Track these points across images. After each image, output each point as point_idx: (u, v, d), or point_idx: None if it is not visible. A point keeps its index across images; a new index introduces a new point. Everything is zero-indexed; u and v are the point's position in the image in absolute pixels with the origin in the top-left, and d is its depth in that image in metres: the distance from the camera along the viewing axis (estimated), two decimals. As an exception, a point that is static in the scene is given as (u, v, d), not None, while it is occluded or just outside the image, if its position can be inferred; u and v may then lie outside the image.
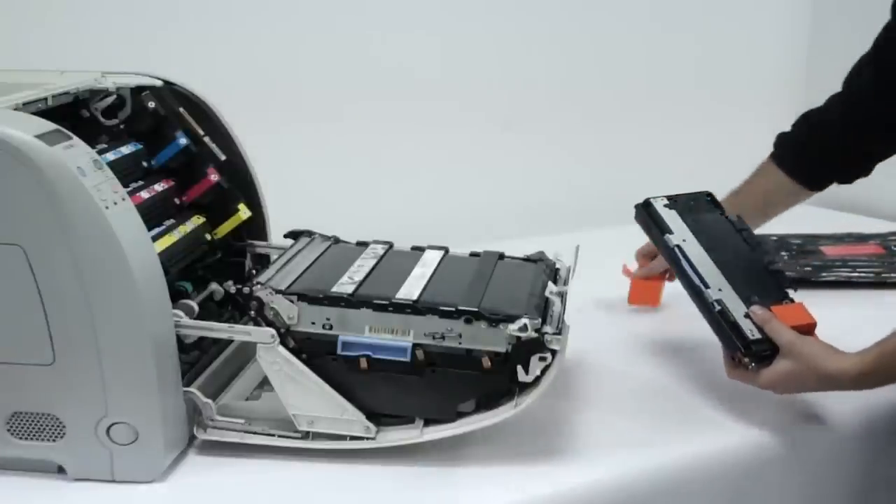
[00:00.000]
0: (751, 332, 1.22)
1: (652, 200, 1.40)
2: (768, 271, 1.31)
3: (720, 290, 1.26)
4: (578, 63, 2.25)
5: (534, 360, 1.09)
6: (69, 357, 1.07)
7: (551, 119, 2.23)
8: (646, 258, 1.60)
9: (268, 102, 1.91)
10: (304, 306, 1.13)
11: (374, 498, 1.11)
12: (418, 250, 1.34)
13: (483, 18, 2.14)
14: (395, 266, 1.27)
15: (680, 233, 1.35)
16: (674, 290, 1.50)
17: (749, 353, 1.21)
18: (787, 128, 1.54)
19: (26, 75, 1.28)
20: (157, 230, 1.25)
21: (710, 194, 1.43)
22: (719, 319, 1.24)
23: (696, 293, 1.28)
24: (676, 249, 1.33)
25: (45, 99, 1.20)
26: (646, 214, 1.40)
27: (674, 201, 1.40)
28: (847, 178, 1.52)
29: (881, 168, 1.48)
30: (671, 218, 1.38)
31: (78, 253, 1.03)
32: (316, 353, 1.13)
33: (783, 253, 1.90)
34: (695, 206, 1.40)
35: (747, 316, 1.23)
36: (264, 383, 1.26)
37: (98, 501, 1.09)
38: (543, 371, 1.10)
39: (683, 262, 1.31)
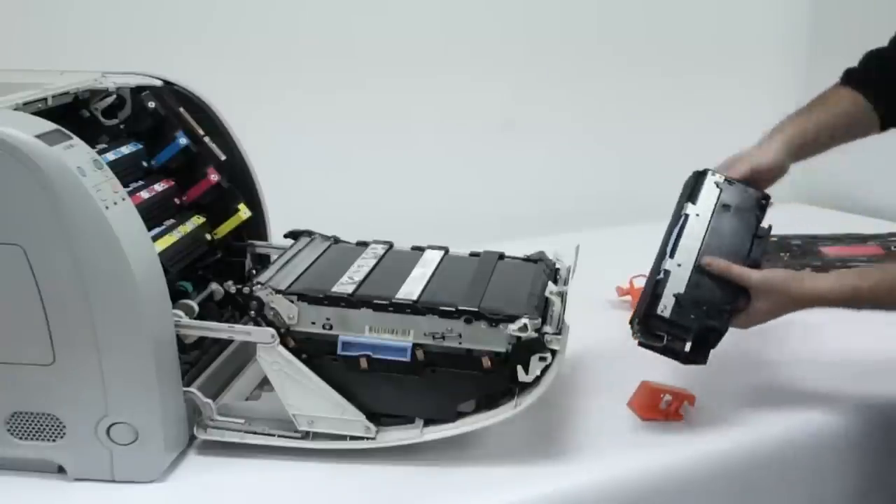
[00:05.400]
0: (662, 309, 1.21)
1: (710, 173, 1.35)
2: (753, 237, 1.30)
3: (679, 265, 1.25)
4: (579, 63, 2.24)
5: (534, 360, 1.09)
6: (69, 357, 1.07)
7: (552, 119, 2.23)
8: None
9: (268, 102, 1.91)
10: (304, 306, 1.13)
11: (374, 498, 1.11)
12: (418, 250, 1.34)
13: (484, 18, 2.14)
14: (395, 266, 1.26)
15: (701, 208, 1.31)
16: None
17: (640, 322, 1.21)
18: (790, 129, 1.50)
19: (26, 75, 1.28)
20: (157, 230, 1.25)
21: (767, 197, 1.36)
22: (652, 285, 1.24)
23: (660, 256, 1.28)
24: (683, 217, 1.30)
25: (45, 99, 1.20)
26: (693, 181, 1.36)
27: (727, 183, 1.34)
28: None
29: (881, 168, 1.48)
30: (709, 194, 1.33)
31: (78, 253, 1.03)
32: (316, 353, 1.13)
33: (783, 253, 1.90)
34: (741, 198, 1.34)
35: (675, 296, 1.22)
36: (264, 383, 1.26)
37: (98, 501, 1.09)
38: (543, 371, 1.10)
39: (676, 229, 1.29)
